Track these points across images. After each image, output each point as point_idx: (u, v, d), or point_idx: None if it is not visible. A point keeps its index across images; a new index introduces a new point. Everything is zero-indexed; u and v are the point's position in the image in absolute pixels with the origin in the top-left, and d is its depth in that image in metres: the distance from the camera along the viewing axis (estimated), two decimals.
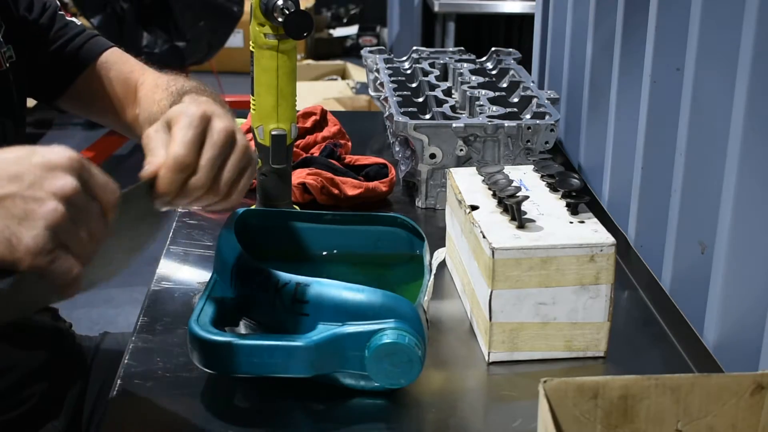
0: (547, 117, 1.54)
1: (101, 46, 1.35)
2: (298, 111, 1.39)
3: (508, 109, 1.57)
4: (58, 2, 1.34)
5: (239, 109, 2.80)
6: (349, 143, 1.69)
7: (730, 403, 0.83)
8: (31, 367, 1.28)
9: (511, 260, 1.07)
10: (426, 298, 1.05)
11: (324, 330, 0.99)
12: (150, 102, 1.25)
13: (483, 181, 1.25)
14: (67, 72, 1.34)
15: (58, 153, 0.76)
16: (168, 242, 1.40)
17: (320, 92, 4.30)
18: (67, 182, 0.74)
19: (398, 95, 1.63)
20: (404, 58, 1.93)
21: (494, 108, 1.57)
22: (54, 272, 0.75)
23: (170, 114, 0.95)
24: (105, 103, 1.34)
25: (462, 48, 1.98)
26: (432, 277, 1.10)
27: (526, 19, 3.85)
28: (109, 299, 3.24)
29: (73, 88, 1.34)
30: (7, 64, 1.22)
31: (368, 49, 1.98)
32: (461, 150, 1.50)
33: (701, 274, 1.20)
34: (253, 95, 1.30)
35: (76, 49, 1.33)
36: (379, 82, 1.75)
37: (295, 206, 1.40)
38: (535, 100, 1.62)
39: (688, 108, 1.22)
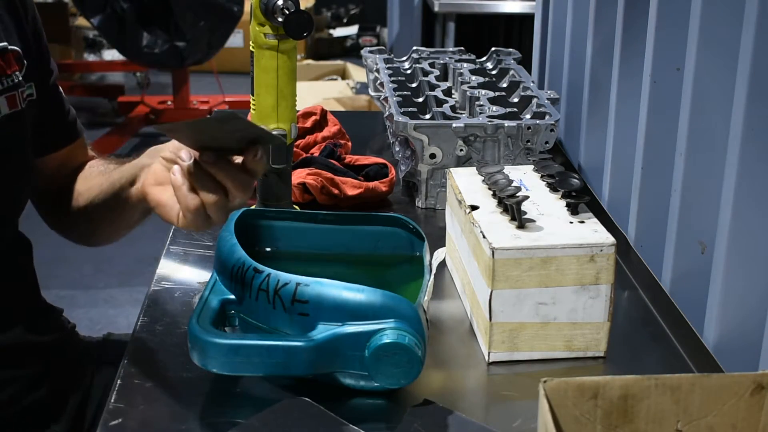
0: (547, 117, 1.54)
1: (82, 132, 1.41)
2: (298, 111, 1.38)
3: (508, 109, 1.57)
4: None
5: (239, 109, 2.80)
6: (349, 143, 1.69)
7: (730, 403, 0.83)
8: (32, 376, 1.28)
9: (511, 260, 1.07)
10: (426, 298, 1.05)
11: (324, 330, 0.99)
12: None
13: (483, 181, 1.25)
14: (65, 134, 1.37)
15: None
16: (168, 242, 1.40)
17: (320, 92, 4.30)
18: None
19: (398, 95, 1.63)
20: (404, 58, 1.93)
21: (494, 108, 1.57)
22: None
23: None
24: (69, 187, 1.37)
25: (462, 48, 1.98)
26: (432, 277, 1.10)
27: (526, 19, 3.85)
28: (109, 299, 3.24)
29: (65, 151, 1.37)
30: (24, 104, 1.21)
31: (368, 49, 1.98)
32: (461, 150, 1.50)
33: (701, 274, 1.20)
34: (253, 95, 1.30)
35: (75, 118, 1.38)
36: (379, 82, 1.75)
37: (295, 206, 1.40)
38: (535, 100, 1.62)
39: (688, 108, 1.22)
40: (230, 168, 1.02)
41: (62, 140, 1.36)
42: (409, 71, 1.86)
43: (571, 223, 1.14)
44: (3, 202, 1.23)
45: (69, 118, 1.37)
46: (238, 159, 1.04)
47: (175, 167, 1.03)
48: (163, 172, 1.10)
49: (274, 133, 1.25)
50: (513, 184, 1.17)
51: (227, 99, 4.83)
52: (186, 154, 1.02)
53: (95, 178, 1.33)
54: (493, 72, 1.82)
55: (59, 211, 1.37)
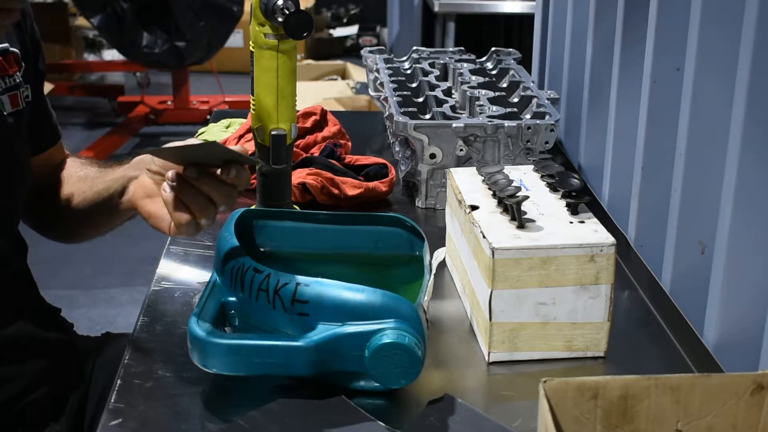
0: (547, 117, 1.54)
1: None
2: (298, 111, 1.39)
3: (508, 109, 1.57)
4: None
5: (239, 109, 2.80)
6: (349, 143, 1.69)
7: (730, 403, 0.83)
8: (32, 375, 1.28)
9: (511, 260, 1.07)
10: (426, 298, 1.05)
11: (324, 330, 0.99)
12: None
13: (483, 181, 1.25)
14: (50, 136, 1.40)
15: None
16: (168, 242, 1.40)
17: (320, 92, 4.29)
18: None
19: (398, 95, 1.63)
20: (404, 58, 1.93)
21: (494, 108, 1.57)
22: None
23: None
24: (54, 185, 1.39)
25: (462, 48, 1.98)
26: (432, 277, 1.10)
27: (526, 19, 3.84)
28: (109, 299, 3.24)
29: (49, 152, 1.39)
30: (24, 104, 1.26)
31: (368, 49, 1.98)
32: (461, 150, 1.50)
33: (701, 274, 1.20)
34: (253, 95, 1.30)
35: (56, 120, 1.41)
36: (379, 82, 1.75)
37: (295, 206, 1.40)
38: (535, 100, 1.62)
39: (688, 108, 1.22)
40: (213, 181, 1.08)
41: (47, 142, 1.39)
42: (409, 71, 1.86)
43: (571, 223, 1.14)
44: (7, 201, 1.24)
45: (53, 120, 1.40)
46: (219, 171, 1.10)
47: (165, 184, 1.09)
48: (151, 185, 1.17)
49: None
50: (513, 184, 1.17)
51: (227, 99, 4.82)
52: (172, 173, 1.08)
53: (76, 184, 1.36)
54: (493, 72, 1.82)
55: (38, 210, 1.39)
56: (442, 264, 1.32)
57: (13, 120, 1.24)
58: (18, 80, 1.25)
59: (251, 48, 1.28)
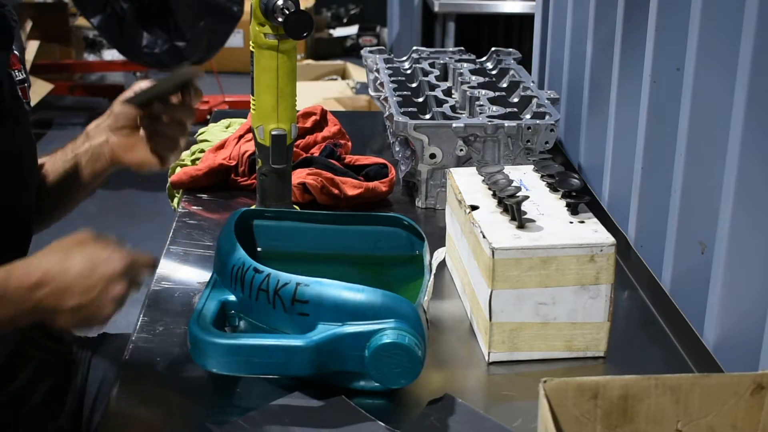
0: (547, 117, 1.54)
1: None
2: (298, 111, 1.39)
3: (508, 109, 1.57)
4: None
5: (239, 109, 2.80)
6: (349, 143, 1.69)
7: (730, 403, 0.83)
8: (31, 374, 1.28)
9: (511, 260, 1.07)
10: (426, 298, 1.05)
11: (324, 330, 0.99)
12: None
13: (483, 181, 1.25)
14: None
15: (115, 264, 1.06)
16: (168, 242, 1.40)
17: (320, 92, 4.29)
18: (121, 289, 1.07)
19: (398, 95, 1.63)
20: (404, 58, 1.93)
21: (494, 108, 1.57)
22: None
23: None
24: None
25: (462, 48, 1.98)
26: (432, 277, 1.10)
27: (526, 19, 3.84)
28: None
29: None
30: (29, 98, 1.30)
31: (368, 49, 1.98)
32: (461, 150, 1.50)
33: (701, 274, 1.20)
34: (253, 95, 1.30)
35: None
36: (379, 82, 1.75)
37: (295, 206, 1.40)
38: (535, 100, 1.62)
39: (688, 108, 1.22)
40: (177, 107, 1.27)
41: None
42: (409, 71, 1.86)
43: (571, 223, 1.14)
44: (25, 191, 1.25)
45: None
46: (175, 99, 1.28)
47: (141, 130, 1.28)
48: (125, 140, 1.31)
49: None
50: (513, 184, 1.17)
51: (227, 99, 4.81)
52: (143, 119, 1.27)
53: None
54: (493, 72, 1.82)
55: None
56: (442, 264, 1.32)
57: (26, 110, 1.28)
58: (24, 76, 1.29)
59: (251, 48, 1.28)
